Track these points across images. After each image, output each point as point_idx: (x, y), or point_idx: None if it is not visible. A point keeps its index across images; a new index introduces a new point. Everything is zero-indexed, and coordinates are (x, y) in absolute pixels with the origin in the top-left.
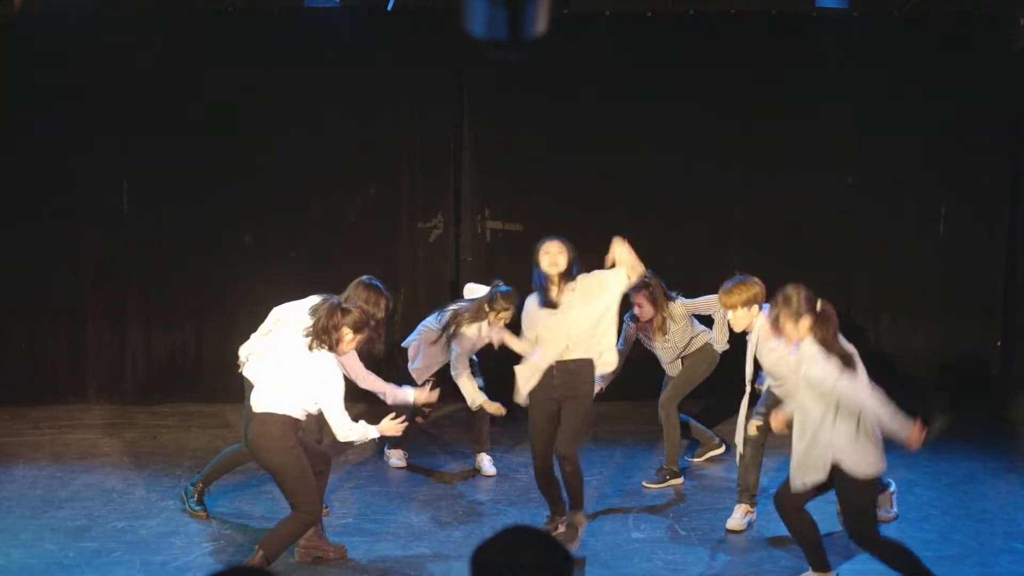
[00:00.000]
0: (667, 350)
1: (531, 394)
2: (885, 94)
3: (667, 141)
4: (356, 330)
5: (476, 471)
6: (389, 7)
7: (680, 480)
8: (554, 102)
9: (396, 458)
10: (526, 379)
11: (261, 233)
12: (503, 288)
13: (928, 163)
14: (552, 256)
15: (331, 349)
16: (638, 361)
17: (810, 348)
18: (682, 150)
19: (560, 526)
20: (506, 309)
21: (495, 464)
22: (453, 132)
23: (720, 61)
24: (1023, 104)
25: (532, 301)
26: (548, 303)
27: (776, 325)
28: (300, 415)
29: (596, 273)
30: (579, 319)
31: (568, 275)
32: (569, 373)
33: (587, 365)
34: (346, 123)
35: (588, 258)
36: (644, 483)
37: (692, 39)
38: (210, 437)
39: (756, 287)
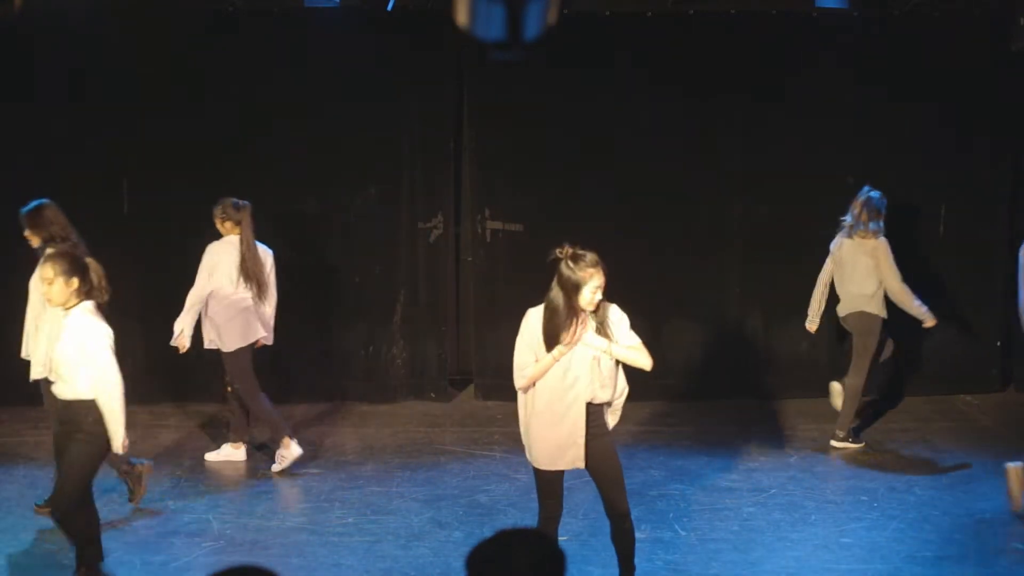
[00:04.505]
0: None
1: None
2: (885, 94)
3: (667, 140)
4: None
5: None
6: (389, 7)
7: None
8: (554, 102)
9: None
10: None
11: (260, 233)
12: None
13: (928, 163)
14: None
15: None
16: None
17: None
18: (682, 150)
19: None
20: None
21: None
22: (453, 132)
23: (720, 61)
24: (1023, 104)
25: None
26: None
27: None
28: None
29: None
30: None
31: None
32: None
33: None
34: (346, 123)
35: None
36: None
37: (692, 39)
38: (209, 437)
39: None
